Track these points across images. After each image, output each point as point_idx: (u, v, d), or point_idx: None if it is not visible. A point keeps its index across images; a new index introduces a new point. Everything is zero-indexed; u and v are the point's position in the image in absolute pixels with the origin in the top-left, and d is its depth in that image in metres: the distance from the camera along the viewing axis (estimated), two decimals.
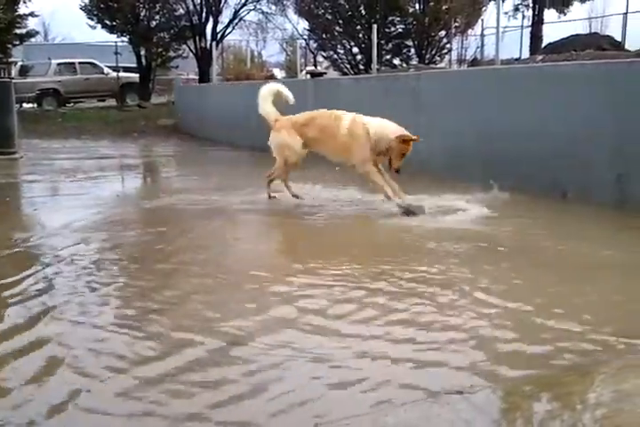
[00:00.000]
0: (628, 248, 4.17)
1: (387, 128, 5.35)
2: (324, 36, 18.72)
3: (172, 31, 21.65)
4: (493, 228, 4.74)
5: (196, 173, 8.77)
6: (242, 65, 21.70)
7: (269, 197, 5.99)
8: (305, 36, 21.21)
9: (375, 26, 13.15)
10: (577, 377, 2.28)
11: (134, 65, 22.28)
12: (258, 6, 22.35)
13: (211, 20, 21.36)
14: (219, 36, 21.71)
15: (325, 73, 17.58)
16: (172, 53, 22.24)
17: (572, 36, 16.31)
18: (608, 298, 3.20)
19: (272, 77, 19.84)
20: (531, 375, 2.32)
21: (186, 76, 26.71)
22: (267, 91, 5.92)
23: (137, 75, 22.37)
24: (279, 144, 5.81)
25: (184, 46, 22.06)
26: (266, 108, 5.88)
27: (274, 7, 22.63)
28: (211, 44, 19.38)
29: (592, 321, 2.81)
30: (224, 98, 14.11)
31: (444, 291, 3.26)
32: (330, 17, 18.23)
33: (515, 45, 19.82)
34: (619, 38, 16.16)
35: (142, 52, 21.74)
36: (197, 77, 22.39)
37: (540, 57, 12.65)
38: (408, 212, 5.04)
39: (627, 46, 14.86)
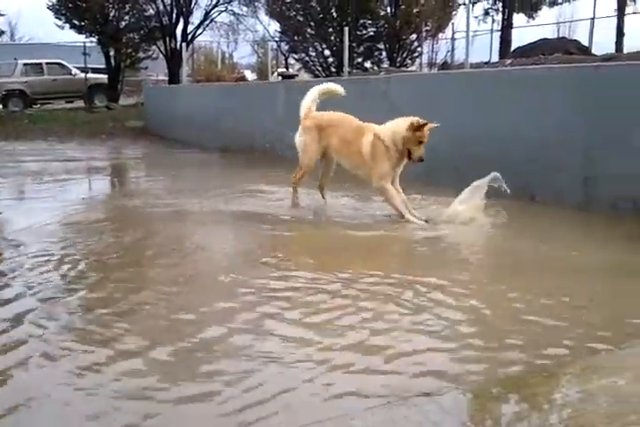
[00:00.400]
0: (597, 251, 4.21)
1: (397, 127, 5.16)
2: (295, 38, 18.71)
3: (141, 32, 21.39)
4: (469, 231, 4.75)
5: (165, 175, 8.67)
6: (212, 66, 21.62)
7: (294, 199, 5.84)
8: (276, 38, 21.19)
9: (347, 28, 13.19)
10: (542, 378, 2.29)
11: (103, 66, 21.97)
12: (229, 7, 22.27)
13: (181, 20, 21.23)
14: (189, 37, 21.56)
15: (297, 75, 17.64)
16: (141, 54, 21.99)
17: (541, 40, 16.55)
18: (577, 301, 3.21)
19: (243, 79, 19.77)
20: (498, 377, 2.32)
21: (155, 77, 26.49)
22: (319, 90, 5.72)
23: (105, 76, 22.06)
24: (301, 147, 5.73)
25: (154, 47, 21.82)
26: (305, 102, 5.71)
27: (245, 8, 22.57)
28: (181, 45, 19.22)
29: (559, 324, 2.83)
30: (194, 99, 14.00)
31: (414, 294, 3.26)
32: (301, 19, 18.23)
33: (484, 49, 20.15)
34: (586, 43, 16.47)
35: (111, 53, 21.45)
36: (167, 79, 22.20)
37: (509, 61, 12.80)
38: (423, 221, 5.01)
39: (593, 51, 15.15)
